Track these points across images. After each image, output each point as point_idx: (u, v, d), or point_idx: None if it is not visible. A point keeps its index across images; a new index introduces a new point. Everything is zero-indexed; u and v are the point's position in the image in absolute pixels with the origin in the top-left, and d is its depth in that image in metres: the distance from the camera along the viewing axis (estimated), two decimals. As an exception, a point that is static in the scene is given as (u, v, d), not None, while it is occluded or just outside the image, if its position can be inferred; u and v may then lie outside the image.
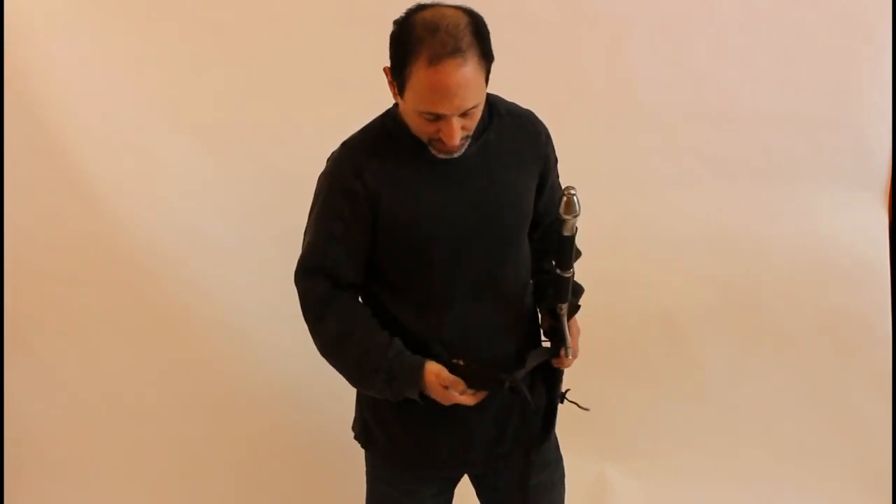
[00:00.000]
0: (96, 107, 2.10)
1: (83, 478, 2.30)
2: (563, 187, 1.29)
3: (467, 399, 1.39)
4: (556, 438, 1.63)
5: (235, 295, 2.23)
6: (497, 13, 2.10)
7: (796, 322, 2.32)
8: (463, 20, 1.22)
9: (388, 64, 1.29)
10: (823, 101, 2.22)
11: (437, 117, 1.26)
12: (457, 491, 1.65)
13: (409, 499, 1.57)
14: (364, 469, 1.65)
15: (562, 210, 1.28)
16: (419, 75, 1.21)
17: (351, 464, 1.77)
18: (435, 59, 1.19)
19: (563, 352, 1.46)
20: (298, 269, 1.44)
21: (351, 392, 1.62)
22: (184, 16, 2.11)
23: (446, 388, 1.37)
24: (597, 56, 2.21)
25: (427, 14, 1.23)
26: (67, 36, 2.05)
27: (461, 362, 1.40)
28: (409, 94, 1.25)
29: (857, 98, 2.22)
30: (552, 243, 1.56)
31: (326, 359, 1.45)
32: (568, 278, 1.38)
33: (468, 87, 1.22)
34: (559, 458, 1.65)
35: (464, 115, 1.26)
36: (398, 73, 1.26)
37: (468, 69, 1.21)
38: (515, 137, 1.45)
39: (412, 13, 1.24)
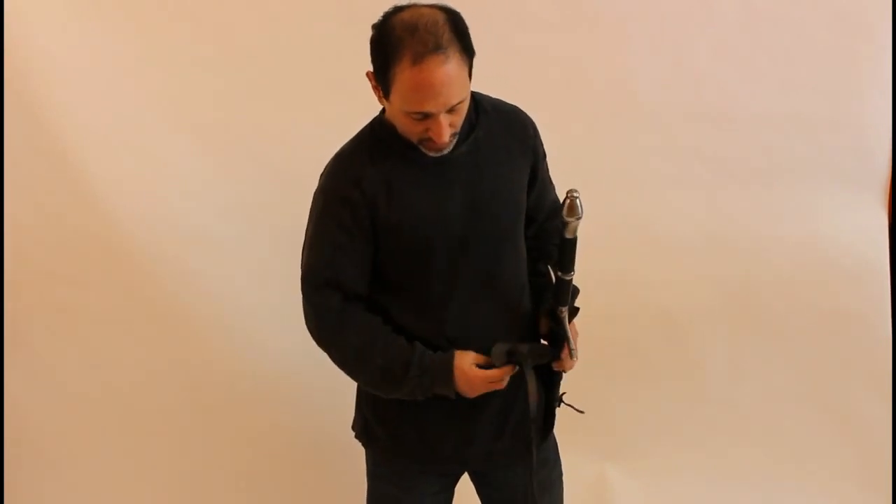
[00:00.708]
0: (96, 107, 2.10)
1: (83, 478, 2.31)
2: (566, 191, 1.29)
3: (497, 384, 1.41)
4: (554, 438, 1.63)
5: (235, 295, 2.23)
6: (497, 13, 2.13)
7: (796, 322, 2.32)
8: (440, 17, 1.23)
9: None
10: (823, 101, 2.22)
11: (425, 116, 1.27)
12: (457, 490, 1.65)
13: (409, 496, 1.57)
14: (364, 468, 1.65)
15: (564, 213, 1.28)
16: (403, 76, 1.22)
17: (351, 463, 1.77)
18: (418, 59, 1.20)
19: (565, 354, 1.45)
20: (306, 286, 1.43)
21: (351, 391, 1.62)
22: (184, 16, 2.11)
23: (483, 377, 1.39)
24: (597, 56, 2.21)
25: (405, 15, 1.24)
26: (67, 36, 2.05)
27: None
28: (394, 95, 1.26)
29: (857, 98, 2.22)
30: (545, 243, 1.57)
31: (346, 370, 1.45)
32: (569, 281, 1.38)
33: (452, 83, 1.23)
34: (557, 458, 1.65)
35: (451, 111, 1.27)
36: (382, 77, 1.27)
37: (451, 65, 1.22)
38: (504, 133, 1.45)
39: (389, 16, 1.26)
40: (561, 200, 1.30)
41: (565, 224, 1.30)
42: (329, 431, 2.21)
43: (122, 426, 2.28)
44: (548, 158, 1.57)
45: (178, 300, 2.20)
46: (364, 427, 1.58)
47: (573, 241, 1.34)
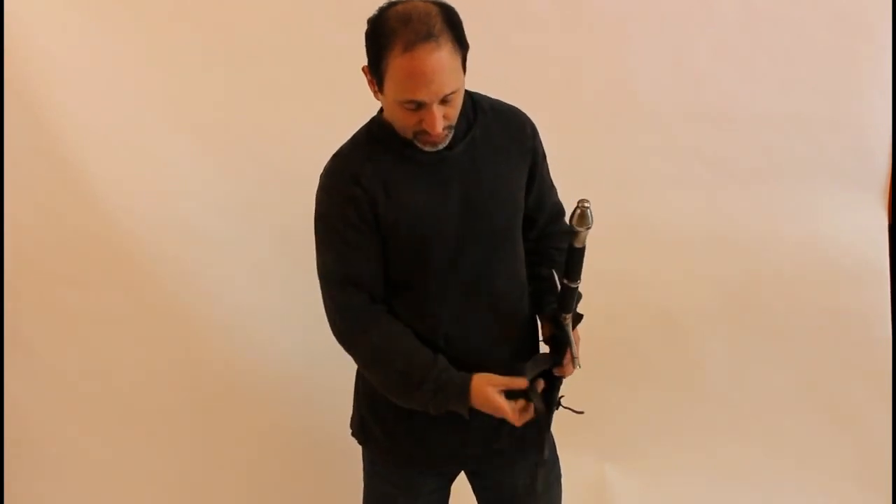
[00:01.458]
0: (96, 107, 2.10)
1: (83, 478, 2.31)
2: (578, 200, 1.28)
3: (514, 417, 1.39)
4: (552, 438, 1.63)
5: (235, 295, 2.23)
6: (497, 13, 2.13)
7: (796, 322, 2.32)
8: (433, 9, 1.25)
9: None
10: (823, 101, 2.22)
11: (419, 106, 1.27)
12: (453, 489, 1.65)
13: (406, 495, 1.58)
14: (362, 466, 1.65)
15: (574, 222, 1.28)
16: (395, 64, 1.24)
17: (349, 461, 1.77)
18: (409, 46, 1.22)
19: (567, 360, 1.45)
20: (327, 284, 1.42)
21: (350, 391, 1.62)
22: (184, 16, 2.11)
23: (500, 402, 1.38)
24: (597, 56, 2.21)
25: (399, 8, 1.26)
26: (67, 36, 2.05)
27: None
28: (388, 85, 1.28)
29: (857, 98, 2.22)
30: (547, 247, 1.57)
31: (367, 370, 1.45)
32: (575, 289, 1.38)
33: (444, 71, 1.24)
34: (556, 458, 1.65)
35: (444, 102, 1.28)
36: (376, 68, 1.28)
37: (443, 53, 1.23)
38: (502, 133, 1.45)
39: (384, 10, 1.28)
40: (571, 209, 1.29)
41: (575, 233, 1.30)
42: (329, 431, 2.21)
43: (121, 426, 2.28)
44: (548, 158, 1.57)
45: (178, 300, 2.20)
46: (361, 426, 1.58)
47: (581, 250, 1.33)
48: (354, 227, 1.38)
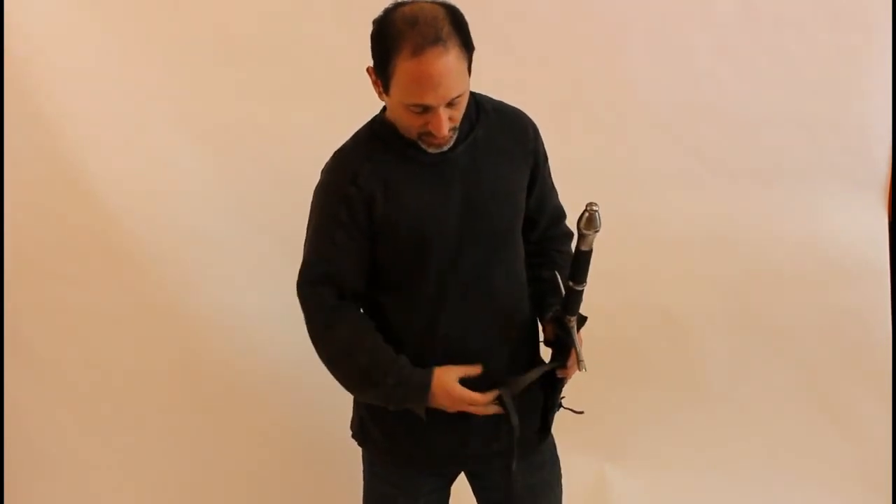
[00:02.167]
0: (96, 106, 2.10)
1: (83, 478, 2.31)
2: (586, 203, 1.29)
3: (476, 409, 1.41)
4: (552, 439, 1.63)
5: (235, 295, 2.23)
6: (498, 12, 2.13)
7: (796, 322, 2.32)
8: (440, 12, 1.25)
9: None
10: (823, 101, 2.22)
11: (425, 109, 1.27)
12: (453, 489, 1.65)
13: (405, 496, 1.57)
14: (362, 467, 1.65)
15: (583, 225, 1.28)
16: (403, 67, 1.23)
17: (350, 462, 1.77)
18: (418, 50, 1.21)
19: (571, 362, 1.45)
20: (302, 281, 1.44)
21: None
22: (184, 16, 2.11)
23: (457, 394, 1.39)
24: (597, 56, 2.21)
25: (405, 9, 1.25)
26: (67, 36, 2.05)
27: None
28: (394, 89, 1.27)
29: (857, 98, 2.22)
30: (548, 249, 1.57)
31: (331, 367, 1.45)
32: (580, 292, 1.38)
33: (451, 75, 1.24)
34: (556, 459, 1.65)
35: (450, 105, 1.28)
36: (382, 70, 1.28)
37: (450, 57, 1.23)
38: (504, 134, 1.46)
39: (390, 11, 1.27)
40: (580, 213, 1.30)
41: (583, 236, 1.30)
42: (329, 431, 2.21)
43: (121, 426, 2.28)
44: (548, 159, 1.57)
45: (178, 300, 2.20)
46: (360, 427, 1.58)
47: (588, 253, 1.33)
48: (345, 227, 1.38)
